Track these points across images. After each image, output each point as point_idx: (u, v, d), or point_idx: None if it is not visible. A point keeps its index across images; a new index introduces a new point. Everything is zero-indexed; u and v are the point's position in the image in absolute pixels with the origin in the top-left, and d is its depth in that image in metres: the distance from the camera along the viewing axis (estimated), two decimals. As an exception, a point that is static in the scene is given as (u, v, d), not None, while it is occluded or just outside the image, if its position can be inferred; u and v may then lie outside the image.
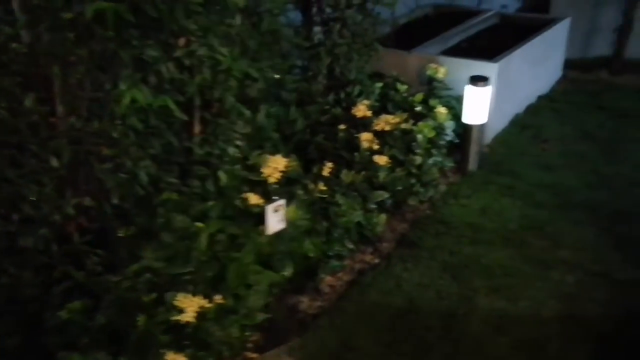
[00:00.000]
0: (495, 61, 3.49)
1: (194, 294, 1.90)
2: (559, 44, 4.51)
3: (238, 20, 2.31)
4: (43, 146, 1.89)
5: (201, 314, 1.86)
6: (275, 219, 2.23)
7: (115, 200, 2.11)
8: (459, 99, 3.42)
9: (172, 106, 2.19)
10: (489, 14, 4.70)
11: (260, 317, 2.09)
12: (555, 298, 2.37)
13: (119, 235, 2.07)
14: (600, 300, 2.35)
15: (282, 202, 2.25)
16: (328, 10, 3.04)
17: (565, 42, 4.57)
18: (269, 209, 2.20)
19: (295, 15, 3.10)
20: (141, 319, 1.82)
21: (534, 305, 2.34)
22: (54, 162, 1.91)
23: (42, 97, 1.92)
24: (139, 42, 2.08)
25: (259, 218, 2.29)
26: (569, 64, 4.75)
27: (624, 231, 2.78)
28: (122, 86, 2.03)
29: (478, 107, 3.23)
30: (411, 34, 4.25)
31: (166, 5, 1.99)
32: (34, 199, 1.88)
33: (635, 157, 3.45)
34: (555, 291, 2.41)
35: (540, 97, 4.29)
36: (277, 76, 2.70)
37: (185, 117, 2.31)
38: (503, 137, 3.74)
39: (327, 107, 3.12)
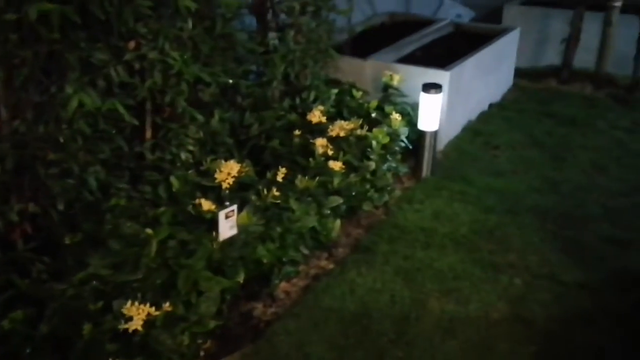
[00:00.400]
0: (448, 69, 3.56)
1: (143, 302, 1.87)
2: (510, 53, 4.64)
3: (190, 24, 2.30)
4: (-17, 151, 1.83)
5: (149, 322, 1.83)
6: (227, 225, 2.21)
7: (61, 207, 2.06)
8: (414, 106, 3.48)
9: (122, 110, 2.16)
10: (444, 23, 4.80)
11: (212, 324, 2.06)
12: (503, 300, 2.43)
13: (66, 242, 2.01)
14: (546, 302, 2.42)
15: (234, 207, 2.24)
16: (283, 16, 3.05)
17: (515, 51, 4.70)
18: (221, 215, 2.18)
19: (251, 21, 3.10)
20: (87, 328, 1.78)
21: (483, 308, 2.38)
22: (-4, 167, 1.85)
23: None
24: (86, 44, 2.04)
25: (212, 224, 2.27)
26: (520, 73, 4.89)
27: (569, 234, 2.87)
28: (69, 90, 1.99)
29: (431, 114, 3.29)
30: (368, 42, 4.31)
31: (114, 7, 1.96)
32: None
33: (582, 163, 3.57)
34: (504, 294, 2.46)
35: (491, 105, 4.40)
36: (231, 81, 2.69)
37: (135, 122, 2.28)
38: (456, 144, 3.82)
39: (282, 112, 3.12)
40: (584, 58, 4.79)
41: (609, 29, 4.52)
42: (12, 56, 1.84)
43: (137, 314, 1.81)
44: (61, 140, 2.00)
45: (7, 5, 1.78)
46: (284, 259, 2.49)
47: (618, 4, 4.42)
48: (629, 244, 2.80)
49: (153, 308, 1.83)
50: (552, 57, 5.15)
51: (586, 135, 3.93)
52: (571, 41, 4.73)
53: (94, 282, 1.88)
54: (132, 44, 2.17)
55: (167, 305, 1.87)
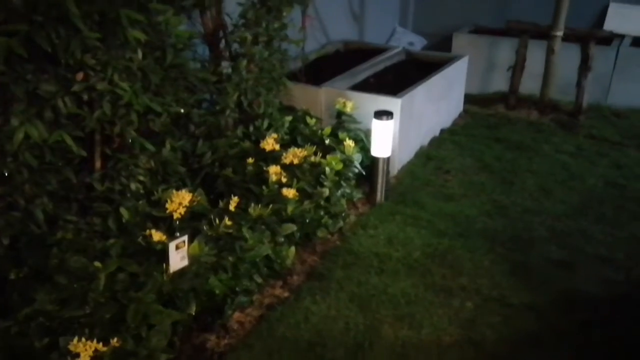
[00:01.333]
0: (399, 96, 3.65)
1: (91, 338, 1.82)
2: (459, 80, 4.79)
3: (140, 54, 2.29)
4: None
5: (98, 359, 1.79)
6: (178, 256, 2.19)
7: (6, 241, 2.00)
8: (367, 132, 3.55)
9: (70, 142, 2.14)
10: (396, 51, 4.92)
11: (164, 357, 2.02)
12: (455, 324, 2.47)
13: (11, 277, 1.96)
14: (495, 324, 2.47)
15: (184, 238, 2.22)
16: (235, 45, 3.07)
17: (464, 78, 4.86)
18: (172, 246, 2.16)
19: (203, 50, 3.11)
20: (31, 367, 1.73)
21: (436, 332, 2.42)
22: (-64, 202, 1.80)
23: None
24: (33, 76, 2.02)
25: (162, 255, 2.24)
26: (469, 99, 5.05)
27: (518, 257, 2.95)
28: (15, 122, 1.96)
29: (384, 140, 3.35)
30: (322, 69, 4.38)
31: (61, 39, 1.95)
32: None
33: (529, 187, 3.69)
34: (455, 318, 2.51)
35: (442, 130, 4.51)
36: (182, 110, 2.69)
37: (84, 153, 2.25)
38: (409, 169, 3.89)
39: (236, 140, 3.12)
40: (529, 85, 4.98)
41: (551, 57, 4.72)
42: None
43: (85, 351, 1.77)
44: (6, 173, 1.95)
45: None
46: (237, 289, 2.47)
47: (559, 33, 4.63)
48: (574, 265, 2.90)
49: (101, 344, 1.79)
50: (499, 83, 5.34)
51: (533, 159, 4.07)
52: (517, 68, 4.91)
53: (40, 318, 1.83)
54: (80, 75, 2.15)
55: (115, 341, 1.83)
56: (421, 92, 3.94)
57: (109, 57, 2.14)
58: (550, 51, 4.71)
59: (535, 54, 4.86)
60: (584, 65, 4.62)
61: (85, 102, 2.21)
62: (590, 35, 4.60)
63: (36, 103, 2.06)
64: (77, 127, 2.20)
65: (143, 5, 2.21)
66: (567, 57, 4.76)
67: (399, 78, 4.30)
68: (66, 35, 1.96)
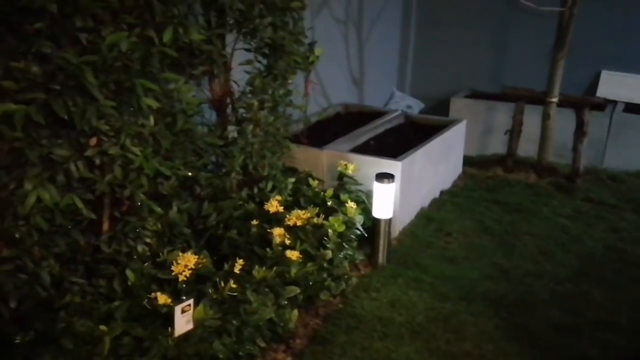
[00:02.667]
0: (400, 159, 3.73)
1: (94, 404, 1.81)
2: (458, 143, 4.90)
3: (152, 120, 2.37)
4: None
5: None
6: (183, 320, 2.20)
7: (13, 304, 2.01)
8: (368, 194, 3.60)
9: (80, 205, 2.18)
10: (395, 114, 5.06)
11: None
12: (460, 391, 2.45)
13: (16, 341, 1.95)
14: (502, 391, 2.45)
15: (190, 301, 2.23)
16: (241, 110, 3.17)
17: (463, 141, 4.97)
18: (177, 309, 2.16)
19: (211, 115, 3.21)
20: None
21: (441, 399, 2.39)
22: (-53, 265, 1.82)
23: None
24: (48, 141, 2.08)
25: (167, 318, 2.25)
26: (468, 161, 5.14)
27: (521, 321, 2.94)
28: (28, 186, 2.00)
29: (385, 202, 3.40)
30: (323, 131, 4.49)
31: (78, 107, 2.02)
32: None
33: (529, 249, 3.72)
34: (461, 384, 2.49)
35: (442, 192, 4.58)
36: (190, 174, 2.75)
37: (93, 216, 2.29)
38: (410, 230, 3.93)
39: (240, 202, 3.17)
40: (526, 148, 5.09)
41: (547, 122, 4.85)
42: (-28, 154, 1.85)
43: (88, 418, 1.75)
44: (17, 236, 1.98)
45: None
46: (240, 353, 2.46)
47: (555, 99, 4.78)
48: (576, 329, 2.90)
49: (105, 411, 1.78)
50: (497, 146, 5.45)
51: (532, 222, 4.11)
52: (514, 132, 5.03)
53: (44, 384, 1.82)
54: (93, 140, 2.21)
55: (119, 408, 1.81)
56: (421, 155, 4.03)
57: (123, 123, 2.22)
58: (546, 116, 4.84)
59: (532, 118, 5.00)
60: (580, 131, 4.74)
61: (97, 166, 2.27)
62: (585, 102, 4.74)
63: (49, 167, 2.11)
64: (87, 190, 2.25)
65: (156, 75, 2.30)
66: (563, 122, 4.89)
67: (399, 141, 4.40)
68: (82, 103, 2.03)
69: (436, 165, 4.40)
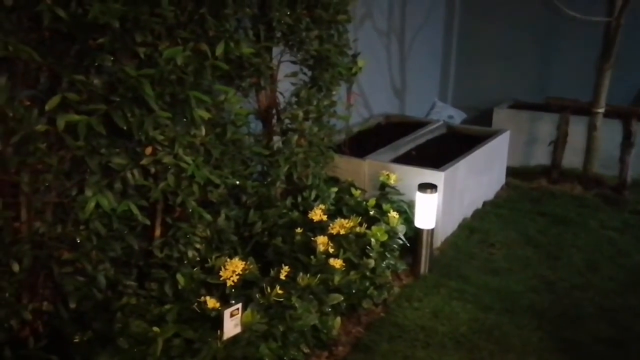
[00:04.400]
0: (443, 170, 3.74)
1: (148, 402, 1.89)
2: (501, 153, 4.86)
3: (203, 131, 2.46)
4: (5, 251, 1.92)
5: (155, 423, 1.84)
6: (231, 324, 2.26)
7: (73, 305, 2.12)
8: (410, 204, 3.62)
9: (136, 211, 2.28)
10: (437, 124, 5.06)
11: None
12: (505, 402, 2.43)
13: (75, 340, 2.06)
14: (547, 404, 2.43)
15: (238, 306, 2.30)
16: (287, 121, 3.24)
17: (506, 152, 4.93)
18: (226, 313, 2.23)
19: (256, 125, 3.30)
20: None
21: (485, 410, 2.39)
22: (15, 267, 1.93)
23: (8, 202, 1.97)
24: (107, 150, 2.19)
25: (216, 322, 2.32)
26: (511, 172, 5.09)
27: (567, 335, 2.91)
28: (88, 192, 2.11)
29: (428, 212, 3.42)
30: (365, 142, 4.53)
31: (135, 118, 2.13)
32: (-9, 303, 1.88)
33: (576, 262, 3.66)
34: (505, 395, 2.47)
35: (485, 203, 4.55)
36: (237, 182, 2.83)
37: (147, 222, 2.39)
38: (452, 241, 3.92)
39: (285, 210, 3.24)
40: (572, 159, 5.02)
41: (594, 133, 4.78)
42: (38, 163, 1.97)
43: (143, 415, 1.83)
44: (78, 240, 2.09)
45: (39, 117, 1.93)
46: (285, 358, 2.51)
47: (601, 110, 4.70)
48: (625, 344, 2.84)
49: (160, 409, 1.85)
50: (541, 157, 5.38)
51: (578, 234, 4.04)
52: (559, 143, 4.96)
53: (102, 381, 1.91)
54: (149, 150, 2.32)
55: (173, 406, 1.89)
56: (464, 166, 4.02)
57: (176, 133, 2.31)
58: (592, 127, 4.77)
59: (577, 128, 4.93)
60: (627, 142, 4.65)
61: (152, 174, 2.37)
62: (632, 112, 4.65)
63: (107, 175, 2.22)
64: (142, 197, 2.35)
65: (208, 87, 2.40)
66: (609, 133, 4.81)
67: (441, 151, 4.40)
68: (140, 114, 2.13)
69: (479, 176, 4.38)
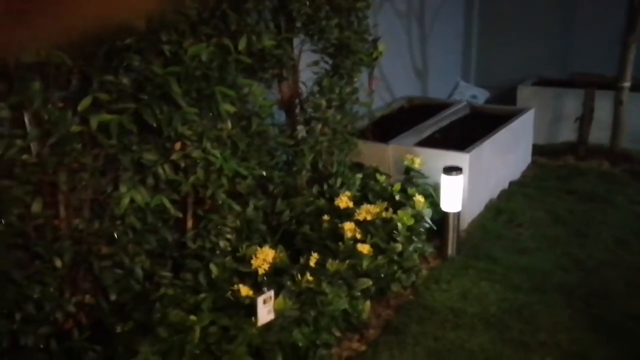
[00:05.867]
0: (468, 151, 3.74)
1: (189, 388, 1.97)
2: (526, 132, 4.83)
3: (229, 124, 2.52)
4: (48, 248, 2.01)
5: (196, 408, 1.92)
6: (265, 310, 2.33)
7: (114, 297, 2.21)
8: (436, 187, 3.64)
9: (168, 205, 2.35)
10: (460, 105, 5.04)
11: (254, 408, 2.14)
12: (536, 380, 2.47)
13: (117, 330, 2.15)
14: (578, 381, 2.45)
15: (271, 293, 2.37)
16: (310, 110, 3.28)
17: (531, 130, 4.89)
18: (260, 300, 2.30)
19: (280, 115, 3.35)
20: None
21: (516, 388, 2.42)
22: (58, 263, 2.02)
23: (47, 201, 2.06)
24: (138, 147, 2.26)
25: (249, 309, 2.39)
26: (537, 150, 5.05)
27: (597, 312, 2.91)
28: (123, 188, 2.19)
29: (453, 195, 3.43)
30: (388, 126, 4.54)
31: (164, 115, 2.19)
32: (37, 298, 1.97)
33: (604, 239, 3.64)
34: (536, 373, 2.51)
35: (511, 183, 4.53)
36: (264, 173, 2.89)
37: (179, 215, 2.47)
38: (479, 222, 3.93)
39: (311, 198, 3.29)
40: (598, 135, 4.95)
41: (620, 108, 4.71)
42: (74, 162, 2.05)
43: (185, 400, 1.91)
44: (115, 235, 2.18)
45: (72, 117, 2.01)
46: (317, 342, 2.58)
47: (627, 84, 4.63)
48: (657, 320, 2.84)
49: (201, 394, 1.93)
50: (567, 134, 5.33)
51: (606, 211, 4.02)
52: (585, 119, 4.90)
53: (144, 369, 2.00)
54: (178, 145, 2.39)
55: (213, 392, 1.97)
56: (489, 146, 4.01)
57: (204, 128, 2.38)
58: (618, 102, 4.70)
59: (603, 104, 4.86)
60: (655, 115, 4.58)
61: (182, 168, 2.44)
62: (659, 85, 4.57)
63: (140, 171, 2.29)
64: (173, 191, 2.42)
65: (232, 81, 2.45)
66: (636, 107, 4.74)
67: (465, 132, 4.39)
68: (168, 111, 2.20)
69: (504, 156, 4.36)
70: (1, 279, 1.91)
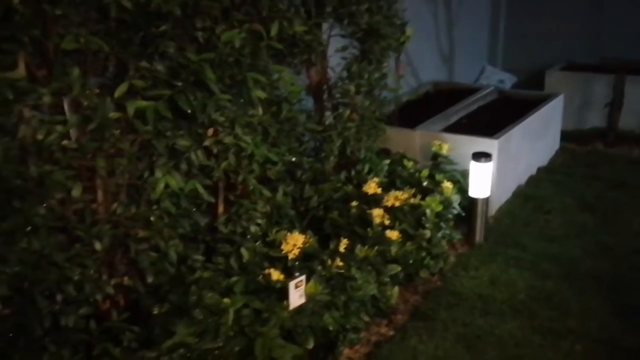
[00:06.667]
0: (496, 138, 3.71)
1: (224, 369, 2.01)
2: (555, 118, 4.77)
3: (260, 110, 2.54)
4: (87, 231, 2.06)
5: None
6: (296, 294, 2.37)
7: (150, 279, 2.26)
8: (464, 173, 3.62)
9: (201, 190, 2.38)
10: (488, 90, 4.99)
11: (285, 390, 2.18)
12: (566, 367, 2.47)
13: (154, 312, 2.20)
14: (609, 369, 2.45)
15: (302, 278, 2.40)
16: (338, 96, 3.28)
17: (560, 116, 4.83)
18: (292, 284, 2.33)
19: (307, 101, 3.35)
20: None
21: (546, 375, 2.43)
22: (97, 246, 2.07)
23: (86, 186, 2.11)
24: (172, 133, 2.29)
25: (280, 293, 2.43)
26: (565, 136, 4.99)
27: (626, 299, 2.90)
28: (158, 174, 2.22)
29: (482, 181, 3.42)
30: (414, 111, 4.52)
31: (198, 101, 2.21)
32: (78, 280, 2.02)
33: (634, 227, 3.61)
34: (566, 360, 2.51)
35: (540, 169, 4.49)
36: (294, 159, 2.91)
37: (212, 200, 2.50)
38: (507, 209, 3.91)
39: (339, 184, 3.30)
40: (628, 121, 4.88)
41: (651, 93, 4.62)
42: (112, 148, 2.09)
43: (222, 381, 1.96)
44: (152, 219, 2.22)
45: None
46: (347, 327, 2.61)
47: (660, 69, 4.54)
48: (689, 308, 2.82)
49: (236, 375, 1.98)
50: (596, 120, 5.25)
51: (636, 198, 3.97)
52: (615, 105, 4.82)
53: (181, 349, 2.04)
54: (210, 131, 2.41)
55: (248, 373, 2.01)
56: (518, 132, 3.98)
57: (235, 114, 2.39)
58: (650, 87, 4.61)
59: (634, 89, 4.77)
60: (688, 100, 4.48)
61: (214, 154, 2.47)
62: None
63: (173, 156, 2.32)
64: (206, 176, 2.46)
65: (264, 67, 2.46)
66: (669, 92, 4.64)
67: (493, 118, 4.35)
68: (202, 97, 2.22)
69: (533, 142, 4.32)
70: (44, 262, 1.96)
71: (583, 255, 3.32)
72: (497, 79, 6.18)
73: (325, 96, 3.36)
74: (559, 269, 3.17)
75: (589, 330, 2.69)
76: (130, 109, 2.06)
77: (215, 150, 2.45)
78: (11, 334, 1.98)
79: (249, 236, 2.69)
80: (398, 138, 3.97)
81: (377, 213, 3.05)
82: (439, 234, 3.24)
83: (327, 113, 3.37)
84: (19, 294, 1.97)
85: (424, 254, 3.12)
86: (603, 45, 5.79)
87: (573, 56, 5.91)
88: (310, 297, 2.43)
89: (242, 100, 2.45)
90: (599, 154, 4.78)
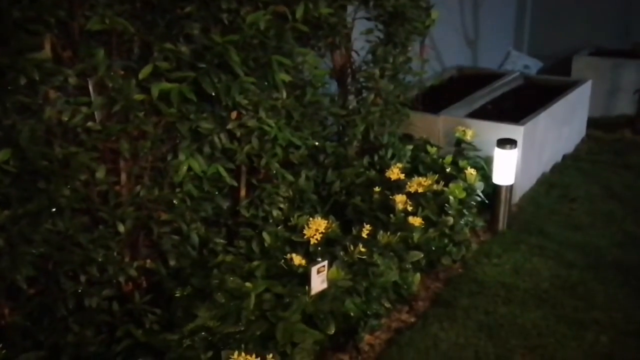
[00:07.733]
0: (522, 124, 3.64)
1: (245, 352, 2.01)
2: (582, 105, 4.67)
3: (284, 94, 2.51)
4: (111, 213, 2.06)
5: (253, 373, 1.97)
6: (318, 280, 2.36)
7: (172, 262, 2.26)
8: (488, 160, 3.57)
9: (224, 173, 2.38)
10: (513, 75, 4.89)
11: (306, 375, 2.18)
12: (590, 358, 2.43)
13: (176, 295, 2.21)
14: (635, 361, 2.41)
15: (324, 263, 2.38)
16: (362, 80, 3.24)
17: (587, 103, 4.72)
18: (314, 270, 2.32)
19: (331, 84, 3.31)
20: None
21: (570, 366, 2.40)
22: (120, 228, 2.08)
23: (110, 168, 2.11)
24: (195, 115, 2.28)
25: (302, 278, 2.42)
26: (592, 123, 4.88)
27: (655, 291, 2.84)
28: (181, 156, 2.22)
29: (506, 168, 3.36)
30: (437, 96, 4.45)
31: (222, 84, 2.20)
32: (101, 261, 2.03)
33: (663, 217, 3.53)
34: (590, 351, 2.46)
35: (565, 157, 4.41)
36: (317, 143, 2.88)
37: (235, 183, 2.49)
38: (531, 196, 3.85)
39: (362, 169, 3.27)
40: (659, 108, 4.76)
41: (683, 80, 4.49)
42: (136, 130, 2.08)
43: (244, 364, 1.95)
44: (175, 202, 2.22)
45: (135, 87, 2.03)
46: (368, 312, 2.59)
47: (692, 54, 4.41)
48: None
49: (259, 359, 1.97)
50: (624, 106, 5.13)
51: (665, 187, 3.88)
52: (645, 92, 4.71)
53: (203, 332, 2.05)
54: (234, 114, 2.40)
55: (270, 357, 2.00)
56: (543, 119, 3.90)
57: (259, 97, 2.37)
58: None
59: (665, 76, 4.65)
60: None
61: (237, 137, 2.45)
62: None
63: (196, 139, 2.32)
64: (229, 160, 2.44)
65: (288, 50, 2.43)
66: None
67: (518, 104, 4.27)
68: (226, 80, 2.20)
69: (559, 129, 4.24)
70: (68, 243, 1.97)
71: (609, 245, 3.25)
72: (523, 64, 6.06)
73: (349, 80, 3.32)
74: (584, 258, 3.12)
75: (614, 321, 2.64)
76: (155, 91, 2.06)
77: (238, 134, 2.44)
78: (36, 314, 2.01)
79: (271, 220, 2.68)
80: (421, 123, 3.91)
81: (399, 199, 3.02)
82: (462, 221, 3.20)
83: (351, 97, 3.33)
84: (43, 275, 1.99)
85: (446, 240, 3.09)
86: (634, 29, 5.63)
87: (601, 41, 5.76)
88: (332, 283, 2.42)
89: (266, 84, 2.42)
90: (627, 142, 4.67)
